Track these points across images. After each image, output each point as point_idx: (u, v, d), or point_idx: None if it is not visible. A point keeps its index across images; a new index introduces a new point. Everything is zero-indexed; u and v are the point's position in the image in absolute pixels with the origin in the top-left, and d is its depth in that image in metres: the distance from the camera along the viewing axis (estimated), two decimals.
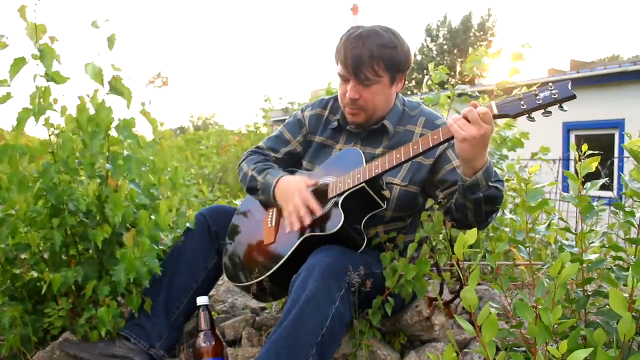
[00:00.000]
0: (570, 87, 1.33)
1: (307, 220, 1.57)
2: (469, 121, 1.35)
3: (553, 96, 1.33)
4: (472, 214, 1.50)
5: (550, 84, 1.35)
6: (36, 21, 1.58)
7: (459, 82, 2.75)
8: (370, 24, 1.69)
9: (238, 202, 2.16)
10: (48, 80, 1.62)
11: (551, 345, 1.05)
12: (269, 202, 1.78)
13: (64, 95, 1.67)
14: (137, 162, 1.73)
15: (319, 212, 1.58)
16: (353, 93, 1.65)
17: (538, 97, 1.35)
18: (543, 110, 1.36)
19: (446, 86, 2.79)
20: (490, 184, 1.45)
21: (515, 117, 1.39)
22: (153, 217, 1.80)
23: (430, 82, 2.95)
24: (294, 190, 1.64)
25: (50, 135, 1.67)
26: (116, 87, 1.69)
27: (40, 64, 1.60)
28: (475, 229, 1.14)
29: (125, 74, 1.71)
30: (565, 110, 1.34)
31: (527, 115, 1.38)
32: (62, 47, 1.62)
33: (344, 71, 1.65)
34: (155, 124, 1.80)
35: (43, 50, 1.59)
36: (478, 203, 1.45)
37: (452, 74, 2.80)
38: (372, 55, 1.59)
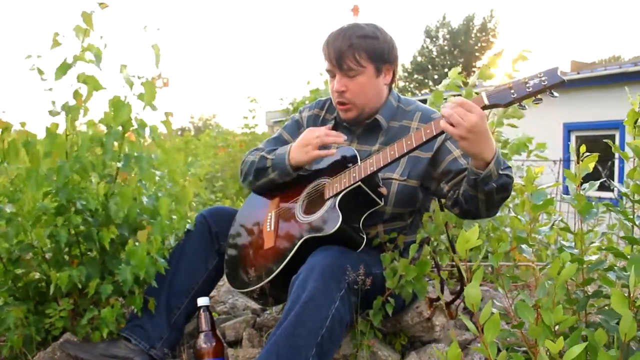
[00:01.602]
0: (559, 73, 1.33)
1: (341, 139, 1.65)
2: (459, 116, 1.35)
3: (542, 83, 1.34)
4: (484, 204, 1.49)
5: (539, 72, 1.36)
6: (90, 26, 1.65)
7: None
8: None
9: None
10: (91, 90, 1.67)
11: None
12: (279, 177, 1.77)
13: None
14: (148, 162, 1.75)
15: (341, 138, 1.66)
16: (339, 85, 1.67)
17: (527, 85, 1.35)
18: (534, 98, 1.36)
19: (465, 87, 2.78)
20: (501, 172, 1.44)
21: (505, 105, 1.39)
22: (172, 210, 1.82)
23: (448, 84, 2.95)
24: (308, 137, 1.68)
25: (67, 135, 1.69)
26: (146, 93, 1.73)
27: (88, 65, 1.66)
28: (477, 228, 1.14)
29: (153, 81, 1.75)
30: (555, 96, 1.34)
31: (518, 104, 1.38)
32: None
33: (329, 65, 1.68)
34: (169, 127, 1.81)
35: (97, 54, 1.65)
36: (491, 193, 1.44)
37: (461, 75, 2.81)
38: (352, 45, 1.62)
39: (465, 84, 2.72)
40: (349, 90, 1.67)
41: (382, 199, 1.62)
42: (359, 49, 1.63)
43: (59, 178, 1.64)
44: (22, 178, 1.64)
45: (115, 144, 1.73)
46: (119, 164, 1.72)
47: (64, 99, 1.67)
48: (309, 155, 1.67)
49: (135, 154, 1.75)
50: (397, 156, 1.52)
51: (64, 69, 1.63)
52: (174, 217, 1.86)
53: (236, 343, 1.89)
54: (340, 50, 1.63)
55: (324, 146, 1.68)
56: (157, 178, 1.87)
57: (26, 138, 1.64)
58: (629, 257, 1.27)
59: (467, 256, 1.12)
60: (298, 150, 1.70)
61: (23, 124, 1.68)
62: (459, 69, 2.84)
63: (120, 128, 1.72)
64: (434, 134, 1.45)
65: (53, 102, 1.66)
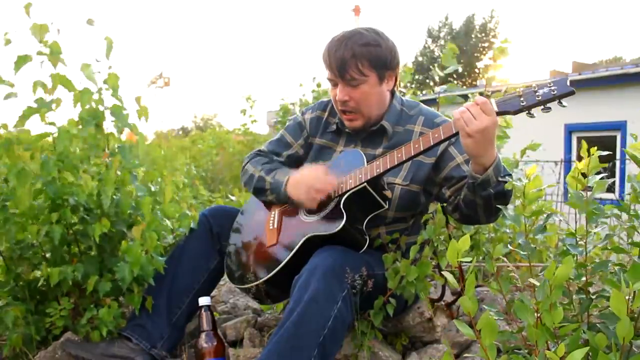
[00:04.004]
0: (568, 83, 1.34)
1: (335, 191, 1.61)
2: (472, 115, 1.36)
3: (552, 92, 1.34)
4: (482, 210, 1.49)
5: (549, 81, 1.36)
6: (39, 19, 1.60)
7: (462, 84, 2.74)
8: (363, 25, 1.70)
9: (233, 198, 2.15)
10: (56, 84, 1.64)
11: (551, 349, 1.04)
12: (277, 201, 1.77)
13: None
14: (131, 151, 1.75)
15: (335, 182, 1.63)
16: (342, 95, 1.65)
17: (537, 94, 1.36)
18: (542, 107, 1.37)
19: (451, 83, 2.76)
20: (500, 179, 1.45)
21: (515, 113, 1.40)
22: (157, 209, 1.80)
23: (439, 75, 2.91)
24: (309, 179, 1.64)
25: (51, 133, 1.68)
26: (111, 87, 1.72)
27: (45, 62, 1.62)
28: (468, 238, 1.13)
29: (121, 74, 1.73)
30: (565, 106, 1.35)
31: (527, 112, 1.39)
32: (64, 45, 1.65)
33: (330, 74, 1.66)
34: (146, 112, 1.80)
35: (51, 47, 1.61)
36: (488, 199, 1.45)
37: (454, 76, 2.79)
38: (354, 54, 1.60)
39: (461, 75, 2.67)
40: (353, 99, 1.66)
41: (387, 202, 1.62)
42: (361, 58, 1.60)
43: (43, 173, 1.63)
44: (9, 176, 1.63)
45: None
46: (107, 160, 1.71)
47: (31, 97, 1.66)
48: (307, 194, 1.64)
49: (117, 145, 1.75)
50: (404, 159, 1.52)
51: (21, 62, 1.60)
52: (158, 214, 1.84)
53: (237, 343, 1.89)
54: (342, 60, 1.60)
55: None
56: (141, 171, 1.86)
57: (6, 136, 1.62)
58: (634, 258, 1.26)
59: (458, 264, 1.12)
60: (294, 186, 1.68)
61: (5, 126, 1.68)
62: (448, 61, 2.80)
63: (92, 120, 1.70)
64: (442, 138, 1.46)
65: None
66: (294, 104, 6.42)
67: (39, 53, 1.62)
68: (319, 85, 5.70)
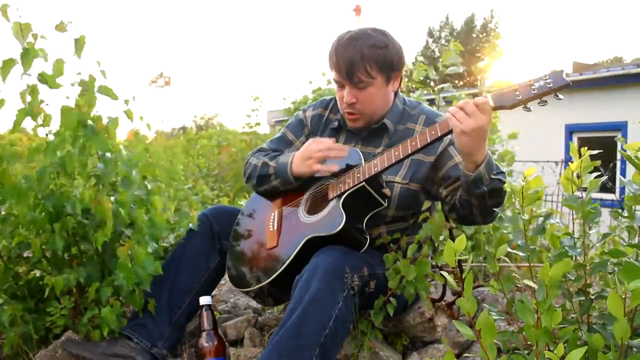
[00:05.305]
0: (564, 76, 1.34)
1: (344, 153, 1.64)
2: (466, 113, 1.37)
3: (548, 85, 1.34)
4: (477, 209, 1.50)
5: (545, 74, 1.36)
6: (20, 20, 1.55)
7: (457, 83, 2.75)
8: (367, 26, 1.70)
9: (242, 203, 2.16)
10: (42, 82, 1.60)
11: (551, 350, 1.04)
12: (282, 185, 1.78)
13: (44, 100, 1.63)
14: (116, 159, 1.72)
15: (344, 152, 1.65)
16: (349, 97, 1.66)
17: (533, 87, 1.36)
18: (539, 100, 1.37)
19: (432, 87, 2.80)
20: (493, 177, 1.45)
21: (511, 107, 1.40)
22: (148, 218, 1.79)
23: (409, 82, 2.95)
24: (308, 151, 1.67)
25: (47, 134, 1.66)
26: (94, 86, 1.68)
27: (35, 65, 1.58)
28: (464, 237, 1.13)
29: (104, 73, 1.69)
30: (561, 99, 1.35)
31: (523, 106, 1.39)
32: (49, 46, 1.60)
33: (337, 76, 1.66)
34: (131, 116, 1.76)
35: (26, 49, 1.56)
36: (482, 197, 1.46)
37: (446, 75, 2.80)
38: (363, 57, 1.60)
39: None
40: (359, 101, 1.67)
41: (386, 200, 1.62)
42: (369, 60, 1.60)
43: (41, 186, 1.61)
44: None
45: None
46: (100, 166, 1.69)
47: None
48: (310, 169, 1.67)
49: (100, 152, 1.70)
50: (401, 157, 1.52)
51: (7, 67, 1.55)
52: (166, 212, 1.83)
53: (237, 342, 1.89)
54: (350, 62, 1.60)
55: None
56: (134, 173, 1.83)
57: None
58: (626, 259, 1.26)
59: (456, 264, 1.11)
60: (300, 162, 1.69)
61: None
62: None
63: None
64: (439, 135, 1.46)
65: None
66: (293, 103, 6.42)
67: (23, 55, 1.56)
68: (328, 82, 5.69)
